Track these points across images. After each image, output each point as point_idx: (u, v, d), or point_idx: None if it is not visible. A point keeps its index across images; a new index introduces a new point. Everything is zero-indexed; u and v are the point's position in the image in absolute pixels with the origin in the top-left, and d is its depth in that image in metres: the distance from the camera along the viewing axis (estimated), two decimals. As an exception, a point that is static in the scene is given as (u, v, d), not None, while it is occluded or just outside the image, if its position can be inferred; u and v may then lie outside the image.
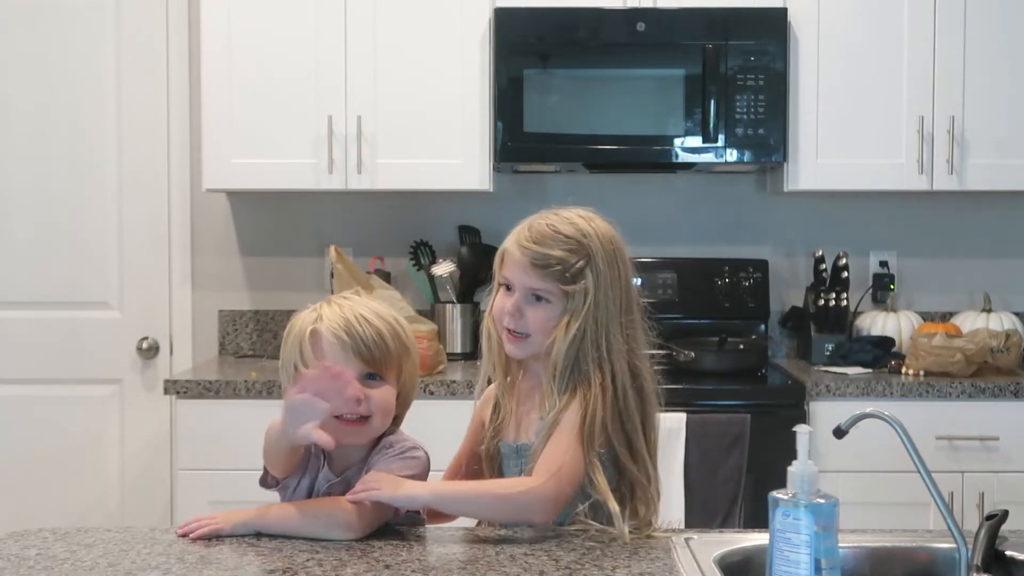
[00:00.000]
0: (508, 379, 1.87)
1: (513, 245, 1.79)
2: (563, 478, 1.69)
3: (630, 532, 1.67)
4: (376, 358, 1.74)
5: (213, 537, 1.67)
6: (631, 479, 1.74)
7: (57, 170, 3.75)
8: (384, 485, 1.67)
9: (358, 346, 1.72)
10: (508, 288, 1.80)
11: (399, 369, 1.78)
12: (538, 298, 1.77)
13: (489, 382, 1.93)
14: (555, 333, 1.76)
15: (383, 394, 1.75)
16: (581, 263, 1.74)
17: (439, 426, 3.10)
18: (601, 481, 1.70)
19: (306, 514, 1.70)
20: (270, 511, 1.71)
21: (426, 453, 1.81)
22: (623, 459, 1.74)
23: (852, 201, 3.76)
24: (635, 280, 1.83)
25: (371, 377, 1.75)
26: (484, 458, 1.90)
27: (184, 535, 1.68)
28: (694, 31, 3.35)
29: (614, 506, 1.68)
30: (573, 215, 1.79)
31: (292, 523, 1.69)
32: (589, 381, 1.73)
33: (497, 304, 1.82)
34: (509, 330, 1.80)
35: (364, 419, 1.73)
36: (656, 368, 1.83)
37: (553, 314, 1.76)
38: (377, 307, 1.79)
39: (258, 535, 1.69)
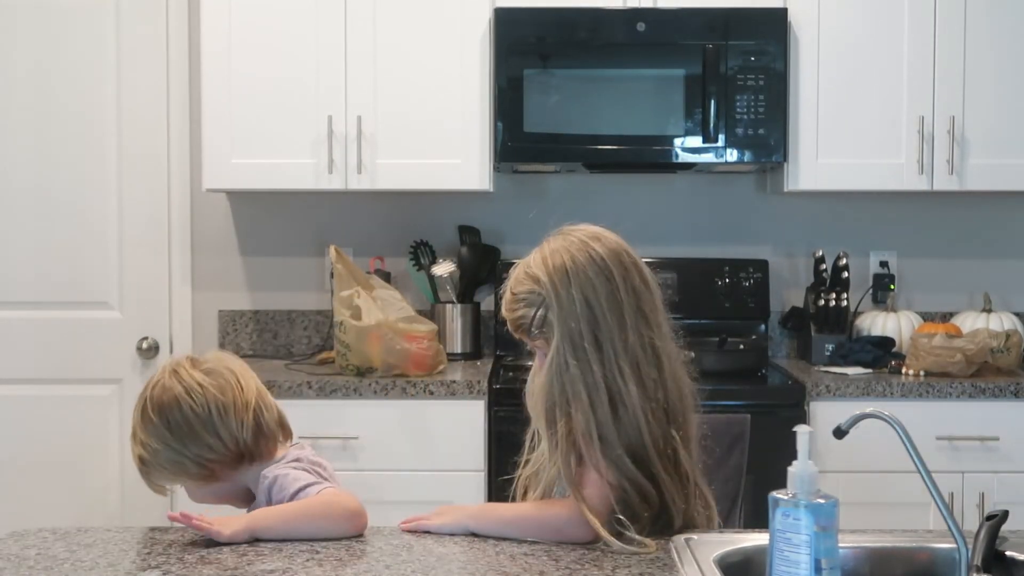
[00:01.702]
0: None
1: None
2: (593, 498, 1.66)
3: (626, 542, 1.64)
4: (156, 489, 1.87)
5: (208, 539, 1.67)
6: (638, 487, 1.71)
7: (57, 170, 3.75)
8: (432, 516, 1.74)
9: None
10: None
11: (173, 471, 1.82)
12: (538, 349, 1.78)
13: None
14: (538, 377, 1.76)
15: (192, 495, 1.87)
16: (541, 312, 1.72)
17: (439, 426, 3.12)
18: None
19: (305, 511, 1.71)
20: (267, 514, 1.72)
21: (320, 471, 1.82)
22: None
23: (852, 201, 3.76)
24: (633, 292, 1.74)
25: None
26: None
27: (175, 519, 1.65)
28: (694, 31, 3.35)
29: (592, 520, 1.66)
30: (535, 256, 1.76)
31: (292, 523, 1.69)
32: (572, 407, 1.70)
33: None
34: None
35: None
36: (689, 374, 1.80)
37: None
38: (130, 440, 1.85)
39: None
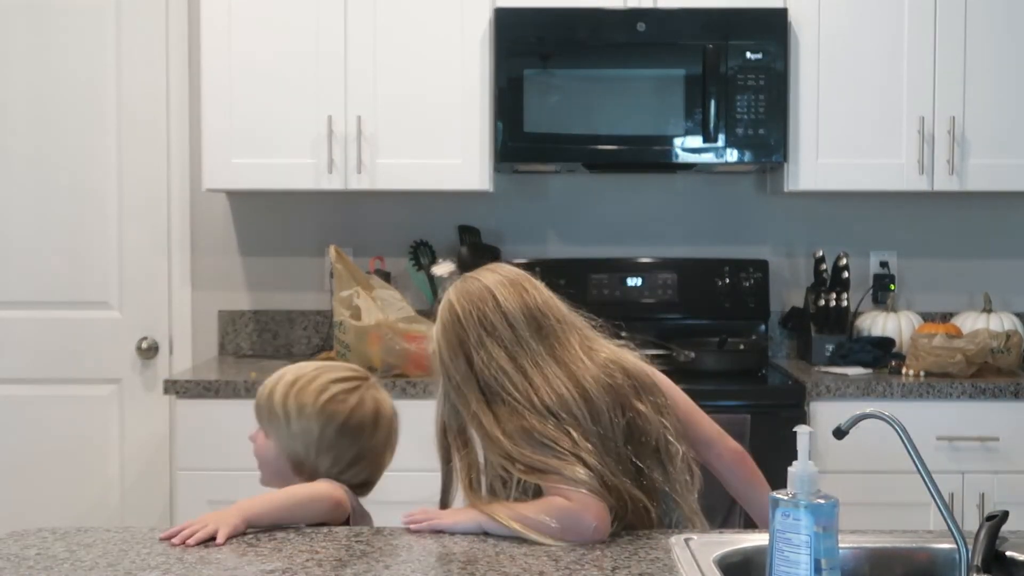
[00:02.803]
0: None
1: None
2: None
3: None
4: (255, 411, 1.97)
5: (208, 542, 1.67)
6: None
7: (57, 170, 3.75)
8: (443, 515, 1.77)
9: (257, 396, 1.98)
10: None
11: (274, 431, 1.93)
12: None
13: None
14: None
15: (259, 444, 1.96)
16: (433, 347, 1.91)
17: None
18: None
19: (293, 496, 1.80)
20: (258, 501, 1.77)
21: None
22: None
23: (852, 201, 3.76)
24: (510, 307, 1.86)
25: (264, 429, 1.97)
26: None
27: (168, 539, 1.67)
28: (694, 31, 3.35)
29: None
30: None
31: (281, 509, 1.77)
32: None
33: None
34: None
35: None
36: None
37: None
38: (294, 375, 1.96)
39: (256, 536, 1.69)
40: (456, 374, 1.85)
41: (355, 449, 1.93)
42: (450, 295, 1.93)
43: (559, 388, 1.77)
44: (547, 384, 1.78)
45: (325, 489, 1.83)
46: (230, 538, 1.67)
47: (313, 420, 1.90)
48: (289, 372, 1.97)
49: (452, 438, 1.87)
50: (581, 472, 1.69)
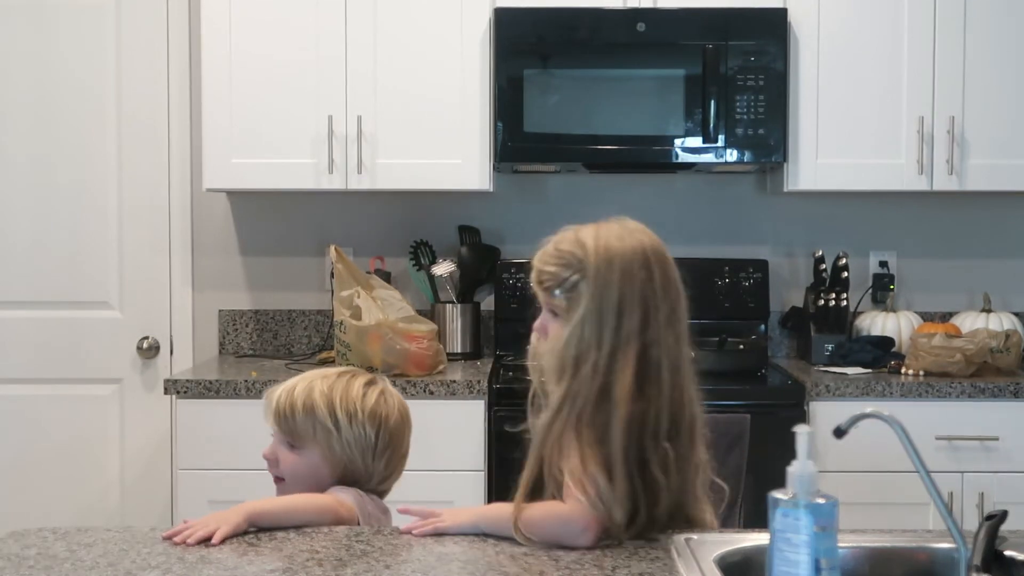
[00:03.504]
0: None
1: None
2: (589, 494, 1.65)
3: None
4: (287, 428, 1.92)
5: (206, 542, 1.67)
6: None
7: (57, 170, 3.75)
8: (443, 517, 1.73)
9: (276, 413, 1.93)
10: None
11: (321, 444, 1.90)
12: (555, 313, 1.76)
13: None
14: (548, 342, 1.75)
15: (292, 461, 1.92)
16: (575, 277, 1.71)
17: (439, 426, 3.12)
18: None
19: (304, 503, 1.80)
20: (266, 502, 1.77)
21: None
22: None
23: (852, 201, 3.76)
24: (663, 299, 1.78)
25: (290, 445, 1.93)
26: None
27: (170, 538, 1.67)
28: (694, 31, 3.35)
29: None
30: (591, 229, 1.77)
31: (290, 511, 1.76)
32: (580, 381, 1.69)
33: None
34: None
35: (280, 479, 1.94)
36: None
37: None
38: (321, 385, 1.92)
39: (256, 535, 1.69)
40: (624, 324, 1.70)
41: (402, 448, 1.95)
42: (650, 246, 1.79)
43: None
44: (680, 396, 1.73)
45: (331, 503, 1.81)
46: (230, 536, 1.67)
47: (368, 425, 1.90)
48: (315, 381, 1.93)
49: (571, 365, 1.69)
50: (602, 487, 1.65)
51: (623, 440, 1.65)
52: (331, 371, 1.98)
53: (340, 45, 3.40)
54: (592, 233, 1.76)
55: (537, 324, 1.79)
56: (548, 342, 1.75)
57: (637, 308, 1.72)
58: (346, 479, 1.91)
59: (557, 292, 1.73)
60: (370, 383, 1.96)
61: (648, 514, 1.68)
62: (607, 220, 1.81)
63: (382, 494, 1.97)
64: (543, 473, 1.71)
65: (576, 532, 1.63)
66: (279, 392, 1.95)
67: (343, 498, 1.84)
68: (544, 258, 1.76)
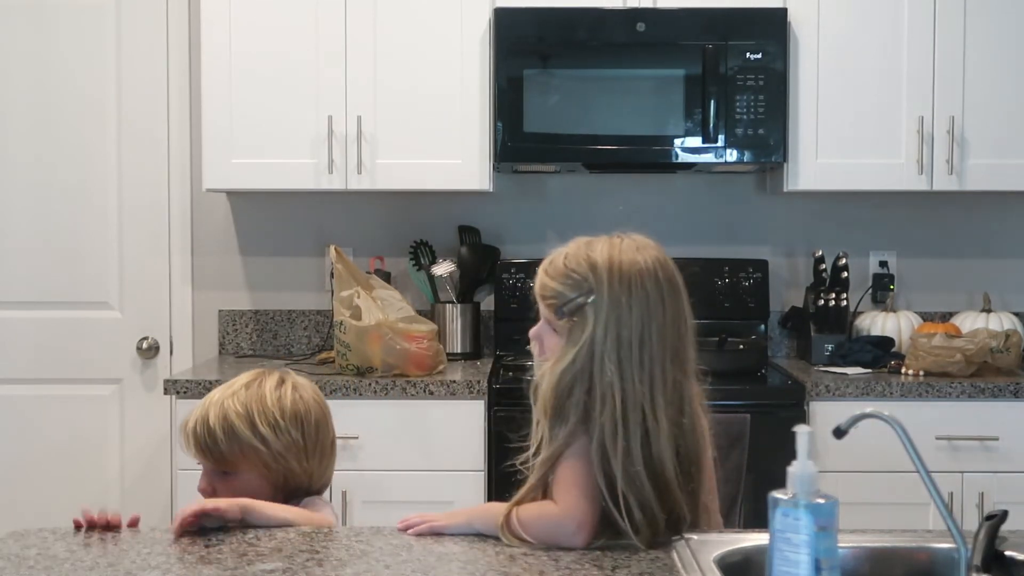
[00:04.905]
0: None
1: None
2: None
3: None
4: (214, 458, 1.87)
5: (211, 526, 1.69)
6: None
7: (57, 170, 3.75)
8: (440, 517, 1.73)
9: (197, 447, 1.88)
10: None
11: (254, 463, 1.86)
12: (554, 328, 1.73)
13: None
14: (545, 366, 1.71)
15: (232, 489, 1.85)
16: (580, 299, 1.68)
17: (439, 426, 3.12)
18: None
19: (296, 514, 1.80)
20: (262, 502, 1.78)
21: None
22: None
23: (852, 201, 3.76)
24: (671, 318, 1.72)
25: (223, 474, 1.88)
26: None
27: (179, 533, 1.69)
28: (694, 31, 3.35)
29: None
30: (602, 245, 1.71)
31: (282, 514, 1.77)
32: (588, 413, 1.65)
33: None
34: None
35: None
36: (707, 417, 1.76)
37: (562, 344, 1.71)
38: (232, 403, 1.88)
39: (257, 535, 1.69)
40: (632, 356, 1.65)
41: (329, 437, 1.94)
42: (663, 275, 1.73)
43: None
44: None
45: (328, 523, 1.82)
46: (220, 514, 1.70)
47: (292, 429, 1.88)
48: (226, 401, 1.88)
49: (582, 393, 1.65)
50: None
51: (621, 469, 1.63)
52: (236, 384, 1.93)
53: (340, 45, 3.40)
54: (605, 253, 1.70)
55: (533, 332, 1.77)
56: (547, 369, 1.70)
57: (646, 342, 1.67)
58: (288, 489, 1.89)
59: (561, 311, 1.69)
60: (279, 383, 1.93)
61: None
62: (619, 235, 1.75)
63: (321, 491, 1.95)
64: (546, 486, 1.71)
65: (569, 532, 1.63)
66: (192, 424, 1.89)
67: (326, 515, 1.85)
68: (551, 271, 1.72)
